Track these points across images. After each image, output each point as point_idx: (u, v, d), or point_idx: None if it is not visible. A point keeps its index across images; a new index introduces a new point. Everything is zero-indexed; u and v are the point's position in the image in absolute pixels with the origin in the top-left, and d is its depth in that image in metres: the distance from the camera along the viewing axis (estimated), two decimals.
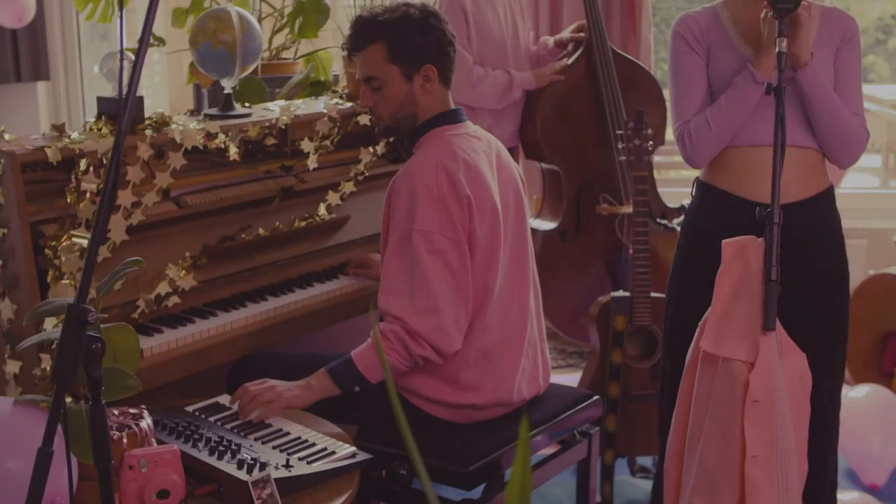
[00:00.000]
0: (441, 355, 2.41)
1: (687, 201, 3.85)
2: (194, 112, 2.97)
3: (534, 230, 3.93)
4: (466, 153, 2.47)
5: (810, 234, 2.51)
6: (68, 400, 1.89)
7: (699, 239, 2.58)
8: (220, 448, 2.10)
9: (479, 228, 2.43)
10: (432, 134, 2.54)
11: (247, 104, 3.15)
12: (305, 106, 3.12)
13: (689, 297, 2.56)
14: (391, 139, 3.17)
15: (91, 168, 2.44)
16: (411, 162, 2.51)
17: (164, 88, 5.63)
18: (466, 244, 2.42)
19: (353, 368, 2.41)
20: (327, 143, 3.05)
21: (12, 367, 2.34)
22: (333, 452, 2.18)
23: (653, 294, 3.22)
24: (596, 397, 2.80)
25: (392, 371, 2.42)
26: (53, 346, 2.25)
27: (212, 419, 2.33)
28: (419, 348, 2.37)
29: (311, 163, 3.01)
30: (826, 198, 2.55)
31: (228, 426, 2.29)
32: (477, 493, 2.48)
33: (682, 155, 2.58)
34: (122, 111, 1.54)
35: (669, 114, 2.66)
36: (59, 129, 2.51)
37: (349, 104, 3.16)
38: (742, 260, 2.14)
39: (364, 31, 2.52)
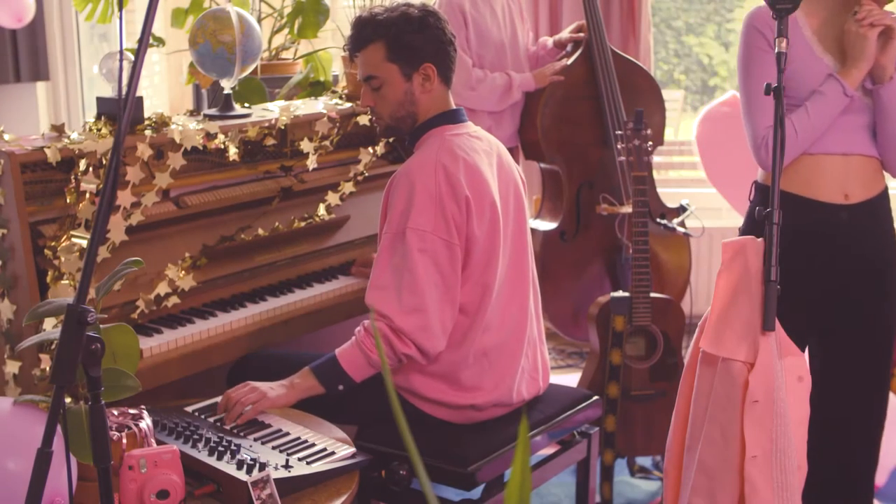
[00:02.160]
0: (424, 355, 2.41)
1: (686, 201, 3.88)
2: (194, 112, 2.97)
3: (533, 230, 3.93)
4: (466, 153, 2.48)
5: (874, 232, 2.57)
6: (68, 400, 1.89)
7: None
8: (220, 448, 2.10)
9: (478, 227, 2.43)
10: (432, 133, 2.54)
11: (246, 104, 3.15)
12: (305, 106, 3.13)
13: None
14: (391, 139, 3.17)
15: (90, 168, 2.44)
16: (411, 160, 2.51)
17: (164, 89, 5.63)
18: (460, 247, 2.42)
19: (336, 367, 2.41)
20: (327, 143, 3.05)
21: (12, 367, 2.34)
22: (333, 453, 2.18)
23: (652, 294, 3.22)
24: (595, 397, 2.80)
25: (376, 369, 2.42)
26: (53, 347, 2.25)
27: (211, 419, 2.33)
28: (403, 346, 2.38)
29: (311, 163, 3.01)
30: (885, 197, 2.60)
31: (228, 426, 2.29)
32: (476, 493, 2.48)
33: (759, 160, 2.55)
34: (121, 111, 1.54)
35: (743, 113, 2.58)
36: (59, 129, 2.51)
37: (348, 104, 3.16)
38: (742, 260, 2.14)
39: (363, 31, 2.52)
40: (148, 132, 2.57)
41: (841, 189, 2.51)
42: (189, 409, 2.40)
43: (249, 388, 2.38)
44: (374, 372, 2.44)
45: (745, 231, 2.64)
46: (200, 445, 2.14)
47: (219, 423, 2.31)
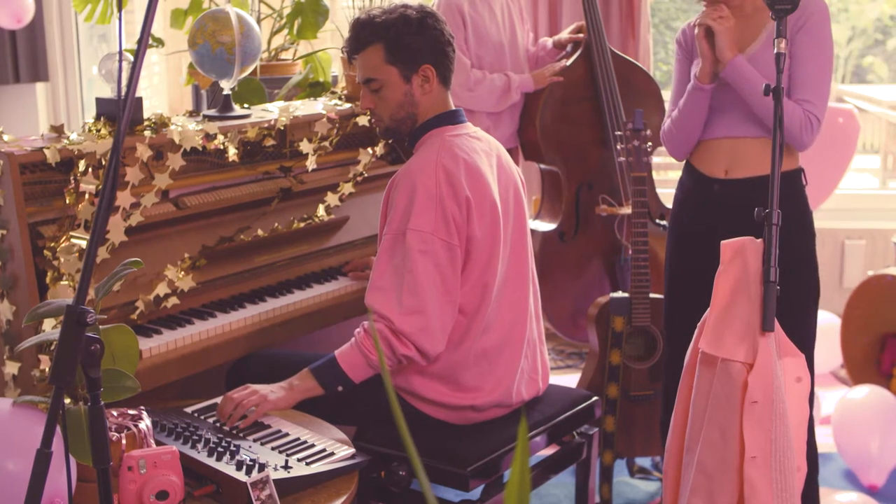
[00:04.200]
0: (424, 356, 2.41)
1: None
2: (193, 113, 2.97)
3: (533, 231, 3.93)
4: (466, 153, 2.48)
5: (749, 209, 2.56)
6: (67, 401, 1.89)
7: (677, 208, 2.89)
8: (219, 449, 2.10)
9: (479, 228, 2.43)
10: (432, 134, 2.54)
11: (245, 105, 3.15)
12: (304, 107, 3.13)
13: (670, 257, 2.90)
14: (391, 140, 3.17)
15: (90, 169, 2.44)
16: (412, 162, 2.51)
17: (163, 89, 5.63)
18: (460, 248, 2.42)
19: (336, 368, 2.41)
20: (326, 144, 3.05)
21: (11, 368, 2.34)
22: (332, 454, 2.18)
23: (652, 295, 3.22)
24: (595, 398, 2.80)
25: (375, 370, 2.42)
26: (52, 348, 2.24)
27: (211, 420, 2.33)
28: (403, 348, 2.38)
29: (310, 164, 3.01)
30: (787, 178, 2.67)
31: (227, 427, 2.29)
32: (476, 493, 2.48)
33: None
34: (120, 112, 1.54)
35: None
36: (58, 130, 2.51)
37: (348, 105, 3.16)
38: (741, 260, 2.14)
39: (362, 34, 2.52)
40: (147, 133, 2.57)
41: (723, 166, 2.73)
42: (188, 409, 2.39)
43: (250, 391, 2.38)
44: (373, 373, 2.44)
45: (673, 200, 2.91)
46: (200, 446, 2.14)
47: (218, 424, 2.31)
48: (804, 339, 2.71)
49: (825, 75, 2.65)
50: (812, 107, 2.63)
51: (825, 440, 3.62)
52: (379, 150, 3.22)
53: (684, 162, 2.91)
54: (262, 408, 2.35)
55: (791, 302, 2.67)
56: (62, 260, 2.35)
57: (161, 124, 2.63)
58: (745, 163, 2.70)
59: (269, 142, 2.92)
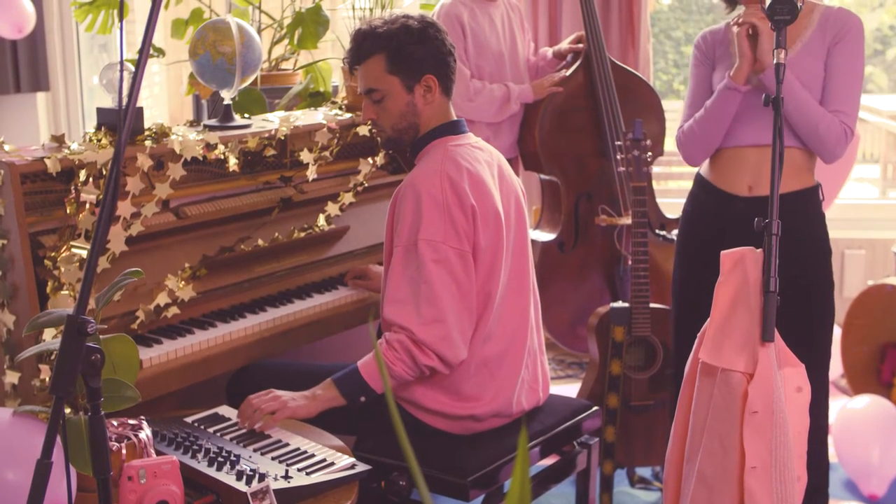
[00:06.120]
0: (447, 365, 2.41)
1: None
2: (194, 123, 2.97)
3: (532, 241, 3.93)
4: (469, 163, 2.48)
5: (789, 228, 2.56)
6: (67, 411, 1.89)
7: (689, 223, 2.83)
8: (219, 459, 2.10)
9: (483, 237, 2.44)
10: (435, 144, 2.55)
11: (246, 115, 3.15)
12: (305, 117, 3.13)
13: (682, 273, 2.87)
14: (392, 151, 3.18)
15: (90, 179, 2.45)
16: (415, 172, 2.51)
17: (164, 99, 5.64)
18: (470, 254, 2.42)
19: (359, 378, 2.41)
20: (326, 153, 3.06)
21: (11, 377, 2.34)
22: (332, 463, 2.17)
23: (652, 305, 3.22)
24: (595, 408, 2.80)
25: (398, 381, 2.42)
26: (52, 357, 2.25)
27: (211, 430, 2.33)
28: (425, 358, 2.38)
29: (311, 174, 3.01)
30: (807, 195, 2.68)
31: (227, 437, 2.29)
32: None
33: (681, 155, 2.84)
34: (121, 122, 1.54)
35: None
36: (59, 139, 2.51)
37: (348, 115, 3.17)
38: (741, 270, 2.15)
39: (363, 44, 2.53)
40: (148, 143, 2.58)
41: (747, 181, 2.69)
42: (189, 419, 2.39)
43: (271, 396, 2.38)
44: (395, 384, 2.44)
45: (682, 212, 2.87)
46: (200, 456, 2.14)
47: (219, 433, 2.31)
48: (824, 357, 2.71)
49: (858, 88, 2.66)
50: (846, 117, 2.62)
51: None
52: (379, 160, 3.23)
53: (695, 174, 2.86)
54: (281, 414, 2.35)
55: (813, 321, 2.67)
56: (63, 269, 2.36)
57: (162, 134, 2.63)
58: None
59: (270, 152, 2.92)
